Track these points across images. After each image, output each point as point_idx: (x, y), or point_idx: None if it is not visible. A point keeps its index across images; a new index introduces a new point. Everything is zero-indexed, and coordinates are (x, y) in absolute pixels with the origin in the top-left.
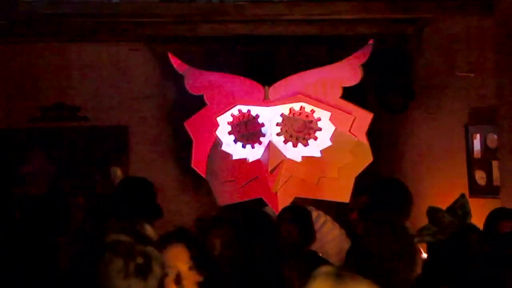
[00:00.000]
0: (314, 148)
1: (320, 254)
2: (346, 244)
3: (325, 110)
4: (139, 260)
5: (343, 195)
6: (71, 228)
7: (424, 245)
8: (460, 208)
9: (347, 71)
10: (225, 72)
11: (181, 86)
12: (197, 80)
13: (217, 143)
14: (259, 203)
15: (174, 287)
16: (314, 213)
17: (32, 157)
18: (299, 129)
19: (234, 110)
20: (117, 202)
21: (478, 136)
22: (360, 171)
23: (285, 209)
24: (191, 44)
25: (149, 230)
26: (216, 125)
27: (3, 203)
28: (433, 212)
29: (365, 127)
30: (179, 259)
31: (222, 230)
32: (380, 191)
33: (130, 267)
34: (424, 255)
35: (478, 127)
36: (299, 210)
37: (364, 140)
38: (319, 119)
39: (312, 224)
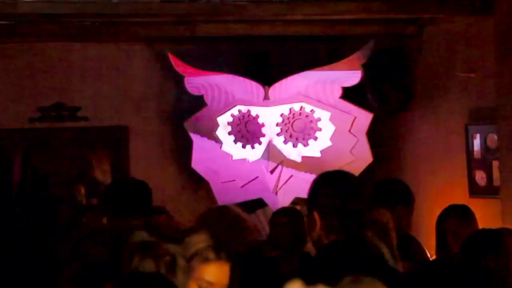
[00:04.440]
0: (314, 148)
1: None
2: None
3: (325, 110)
4: (167, 258)
5: None
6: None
7: None
8: None
9: (347, 71)
10: (225, 72)
11: (181, 86)
12: (197, 80)
13: (217, 143)
14: (259, 203)
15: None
16: None
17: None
18: (299, 129)
19: (234, 110)
20: (111, 202)
21: (478, 136)
22: (360, 171)
23: (278, 213)
24: (191, 44)
25: None
26: (216, 125)
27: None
28: None
29: (365, 127)
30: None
31: None
32: (381, 190)
33: (162, 267)
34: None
35: (478, 127)
36: (292, 213)
37: (364, 140)
38: (319, 119)
39: (304, 226)
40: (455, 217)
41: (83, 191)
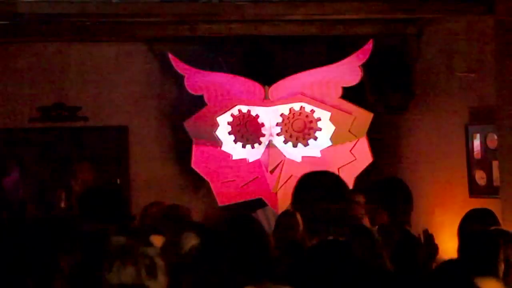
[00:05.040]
0: (314, 148)
1: None
2: None
3: (325, 110)
4: (146, 261)
5: None
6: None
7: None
8: None
9: (347, 71)
10: (225, 72)
11: (181, 86)
12: (197, 80)
13: (217, 143)
14: (259, 203)
15: None
16: None
17: (12, 168)
18: (299, 129)
19: (234, 110)
20: (84, 210)
21: (478, 136)
22: (360, 171)
23: (283, 215)
24: (191, 44)
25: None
26: (216, 125)
27: None
28: None
29: (365, 127)
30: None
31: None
32: (381, 190)
33: (142, 270)
34: None
35: (478, 127)
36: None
37: (364, 140)
38: (319, 119)
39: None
40: (480, 223)
41: (63, 196)
